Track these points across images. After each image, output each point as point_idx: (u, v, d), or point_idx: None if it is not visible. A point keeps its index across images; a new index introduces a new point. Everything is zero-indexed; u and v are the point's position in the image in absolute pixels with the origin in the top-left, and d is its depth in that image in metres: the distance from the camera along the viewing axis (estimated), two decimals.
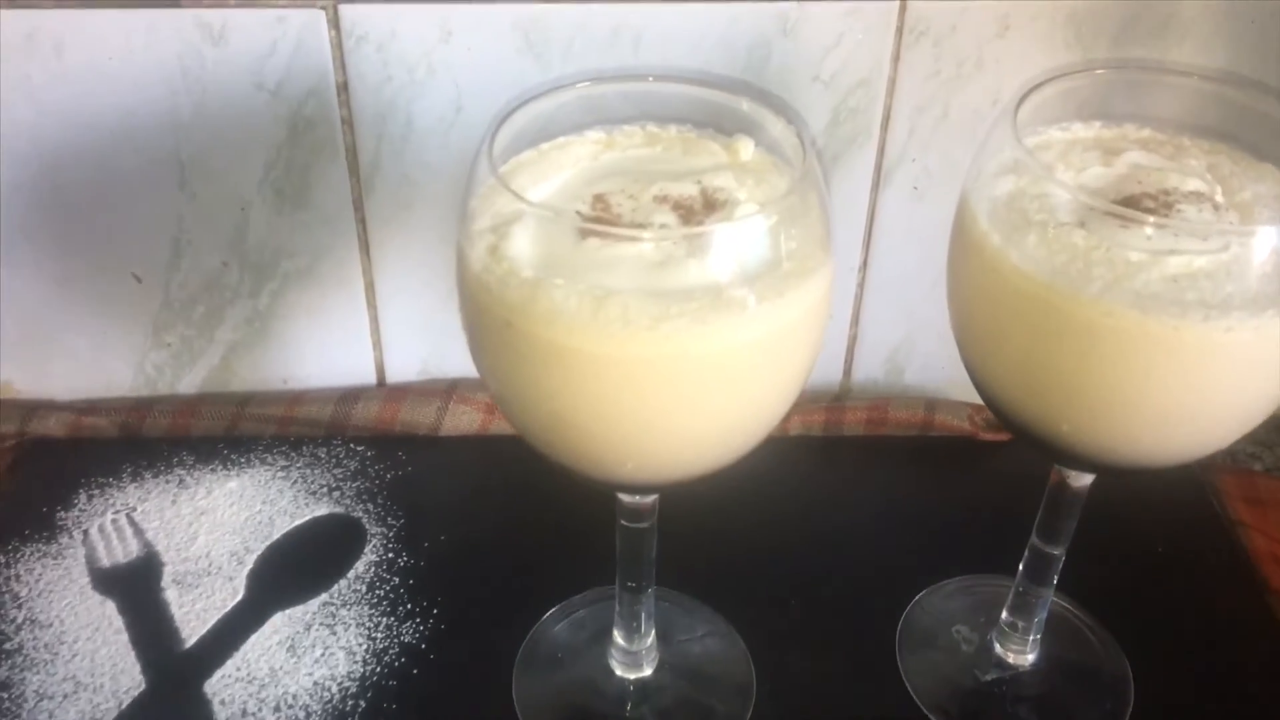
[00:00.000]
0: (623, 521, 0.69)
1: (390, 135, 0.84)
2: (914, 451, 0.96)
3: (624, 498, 0.66)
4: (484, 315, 0.56)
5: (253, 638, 0.79)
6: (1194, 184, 0.61)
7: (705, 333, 0.52)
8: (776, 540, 0.86)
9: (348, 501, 0.89)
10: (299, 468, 0.91)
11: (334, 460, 0.92)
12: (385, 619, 0.80)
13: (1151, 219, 0.56)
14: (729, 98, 0.63)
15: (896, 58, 0.84)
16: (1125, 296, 0.54)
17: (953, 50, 0.84)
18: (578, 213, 0.58)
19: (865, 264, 0.94)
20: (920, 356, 0.99)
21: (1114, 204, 0.59)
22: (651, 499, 0.67)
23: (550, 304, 0.53)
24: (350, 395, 0.95)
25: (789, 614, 0.82)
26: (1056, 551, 0.73)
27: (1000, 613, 0.78)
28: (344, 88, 0.82)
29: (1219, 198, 0.61)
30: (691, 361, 0.53)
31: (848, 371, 1.00)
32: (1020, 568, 0.75)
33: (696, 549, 0.81)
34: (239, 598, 0.82)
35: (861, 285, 0.95)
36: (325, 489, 0.90)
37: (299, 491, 0.89)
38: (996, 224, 0.59)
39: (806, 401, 0.97)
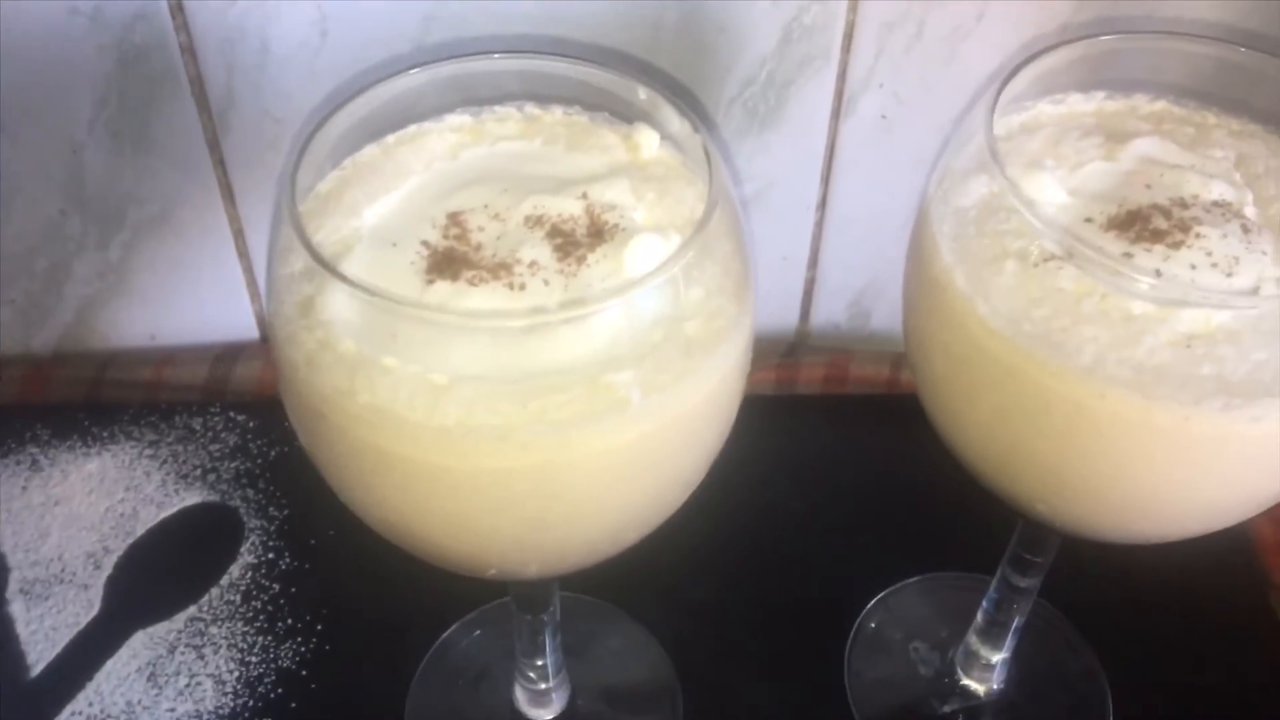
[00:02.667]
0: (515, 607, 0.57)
1: (243, 64, 0.69)
2: (878, 413, 0.84)
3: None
4: (291, 395, 0.43)
5: (109, 664, 0.69)
6: (1218, 190, 0.48)
7: (574, 439, 0.40)
8: (710, 529, 0.74)
9: (224, 487, 0.78)
10: (169, 443, 0.80)
11: (210, 434, 0.80)
12: (261, 638, 0.70)
13: (1158, 260, 0.43)
14: (622, 83, 0.48)
15: None
16: (1124, 372, 0.42)
17: None
18: (424, 243, 0.45)
19: (824, 201, 0.81)
20: (889, 300, 0.87)
21: (1115, 226, 0.45)
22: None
23: (372, 397, 0.40)
24: (228, 353, 0.82)
25: (721, 618, 0.71)
26: (1028, 584, 0.62)
27: (966, 626, 0.68)
28: (179, 9, 0.67)
29: (1250, 210, 0.47)
30: (556, 472, 0.41)
31: (805, 316, 0.88)
32: (989, 591, 0.65)
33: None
34: (94, 612, 0.71)
35: (820, 224, 0.82)
36: (199, 471, 0.78)
37: (168, 474, 0.78)
38: (962, 255, 0.46)
39: (757, 355, 0.85)
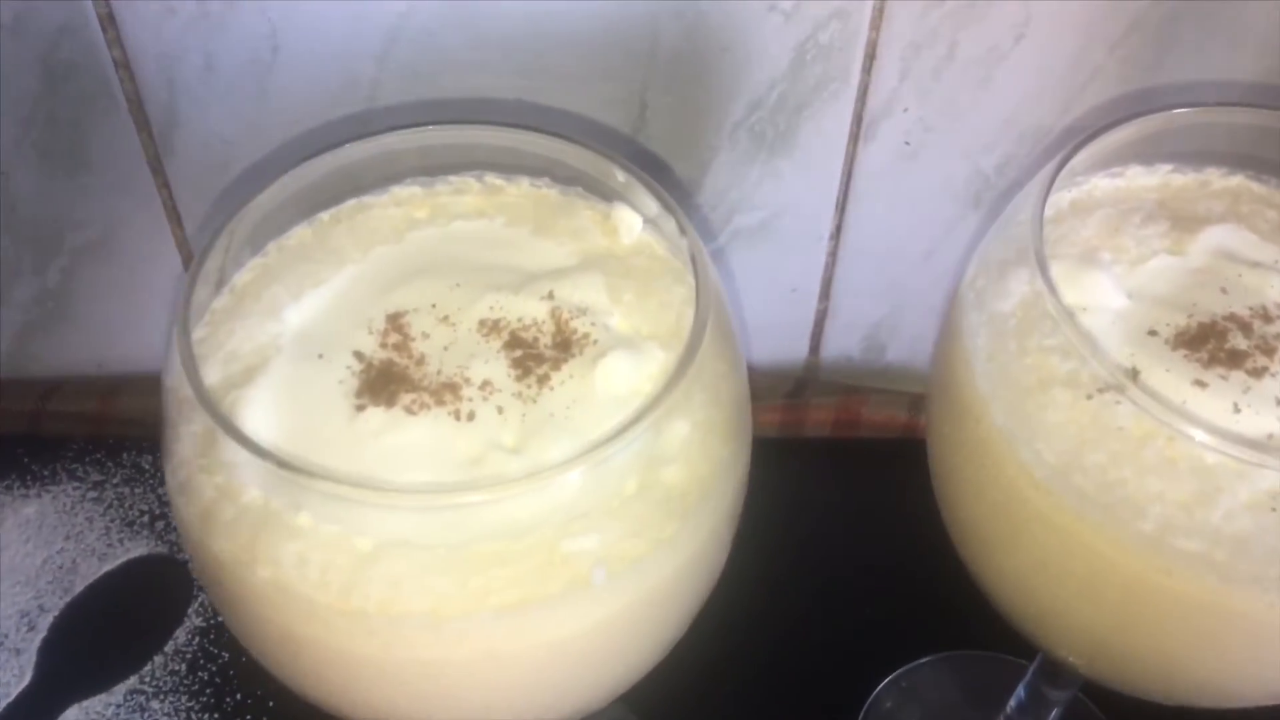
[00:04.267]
0: None
1: (185, 81, 0.62)
2: (892, 461, 0.76)
3: None
4: (190, 549, 0.36)
5: None
6: None
7: (523, 627, 0.33)
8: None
9: (173, 536, 0.71)
10: (115, 485, 0.73)
11: (159, 473, 0.73)
12: (208, 715, 0.64)
13: (1237, 388, 0.35)
14: (597, 162, 0.40)
15: None
16: (1195, 544, 0.34)
17: None
18: (356, 354, 0.37)
19: (839, 230, 0.73)
20: (906, 335, 0.79)
21: (1184, 344, 0.38)
22: None
23: (276, 569, 0.33)
24: None
25: (712, 699, 0.64)
26: (1063, 694, 0.55)
27: (992, 715, 0.61)
28: (110, 22, 0.59)
29: None
30: (498, 664, 0.33)
31: (815, 349, 0.80)
32: (1018, 693, 0.58)
33: None
34: (25, 682, 0.65)
35: (834, 254, 0.74)
36: (145, 517, 0.72)
37: (112, 521, 0.72)
38: (1000, 380, 0.38)
39: (761, 393, 0.77)
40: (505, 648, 0.33)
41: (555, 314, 0.39)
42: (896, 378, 0.81)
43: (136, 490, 0.73)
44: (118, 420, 0.75)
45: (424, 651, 0.33)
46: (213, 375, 0.37)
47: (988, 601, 0.61)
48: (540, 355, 0.37)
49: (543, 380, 0.37)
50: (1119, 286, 0.40)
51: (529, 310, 0.39)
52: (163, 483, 0.73)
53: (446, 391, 0.36)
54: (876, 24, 0.63)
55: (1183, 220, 0.43)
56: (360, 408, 0.36)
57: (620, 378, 0.36)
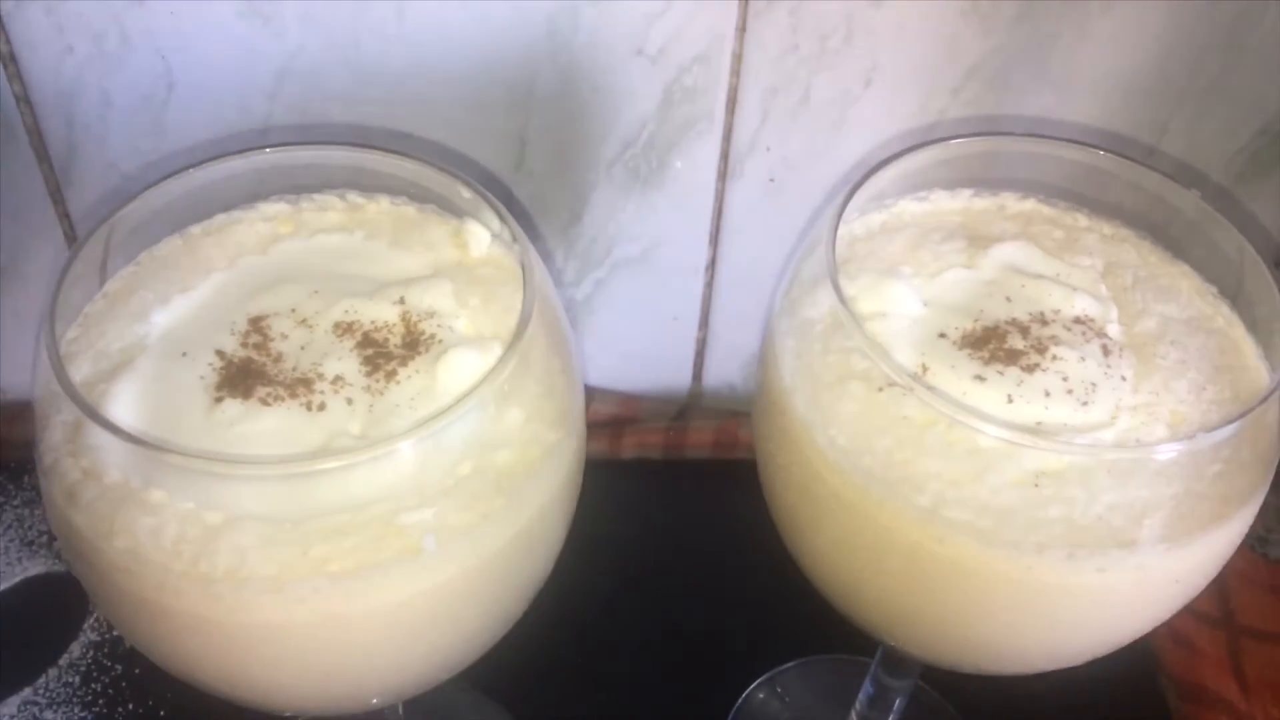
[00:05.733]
0: None
1: (84, 117, 0.65)
2: None
3: None
4: (54, 526, 0.39)
5: None
6: (1082, 305, 0.45)
7: (359, 590, 0.36)
8: (585, 601, 0.70)
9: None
10: (15, 506, 0.75)
11: None
12: None
13: (1011, 383, 0.40)
14: (445, 182, 0.45)
15: (742, 29, 0.65)
16: (965, 514, 0.39)
17: (813, 20, 0.65)
18: (218, 353, 0.41)
19: (714, 262, 0.77)
20: None
21: (969, 344, 0.42)
22: None
23: (132, 541, 0.36)
24: None
25: (593, 700, 0.68)
26: (901, 684, 0.59)
27: (847, 713, 0.65)
28: (11, 59, 0.62)
29: (1113, 328, 0.45)
30: (341, 625, 0.37)
31: (698, 377, 0.84)
32: (865, 686, 0.62)
33: None
34: None
35: (710, 285, 0.79)
36: (44, 537, 0.74)
37: (11, 541, 0.74)
38: (804, 375, 0.42)
39: (647, 417, 0.82)
40: (344, 611, 0.36)
41: (405, 317, 0.42)
42: None
43: (35, 512, 0.75)
44: (16, 445, 0.77)
45: (268, 614, 0.36)
46: (83, 371, 0.40)
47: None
48: (389, 353, 0.41)
49: (390, 375, 0.40)
50: (917, 295, 0.45)
51: (381, 314, 0.42)
52: None
53: (300, 385, 0.40)
54: (736, 69, 0.68)
55: (978, 238, 0.48)
56: (219, 400, 0.39)
57: (462, 371, 0.40)
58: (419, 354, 0.41)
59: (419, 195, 0.46)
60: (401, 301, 0.43)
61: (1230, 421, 0.38)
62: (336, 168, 0.45)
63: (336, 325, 0.42)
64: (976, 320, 0.44)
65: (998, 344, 0.43)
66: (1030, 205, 0.49)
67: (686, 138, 0.70)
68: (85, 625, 0.70)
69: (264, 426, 0.39)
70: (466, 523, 0.37)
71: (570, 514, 0.43)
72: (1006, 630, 0.41)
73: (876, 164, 0.45)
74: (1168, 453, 0.38)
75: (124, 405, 0.39)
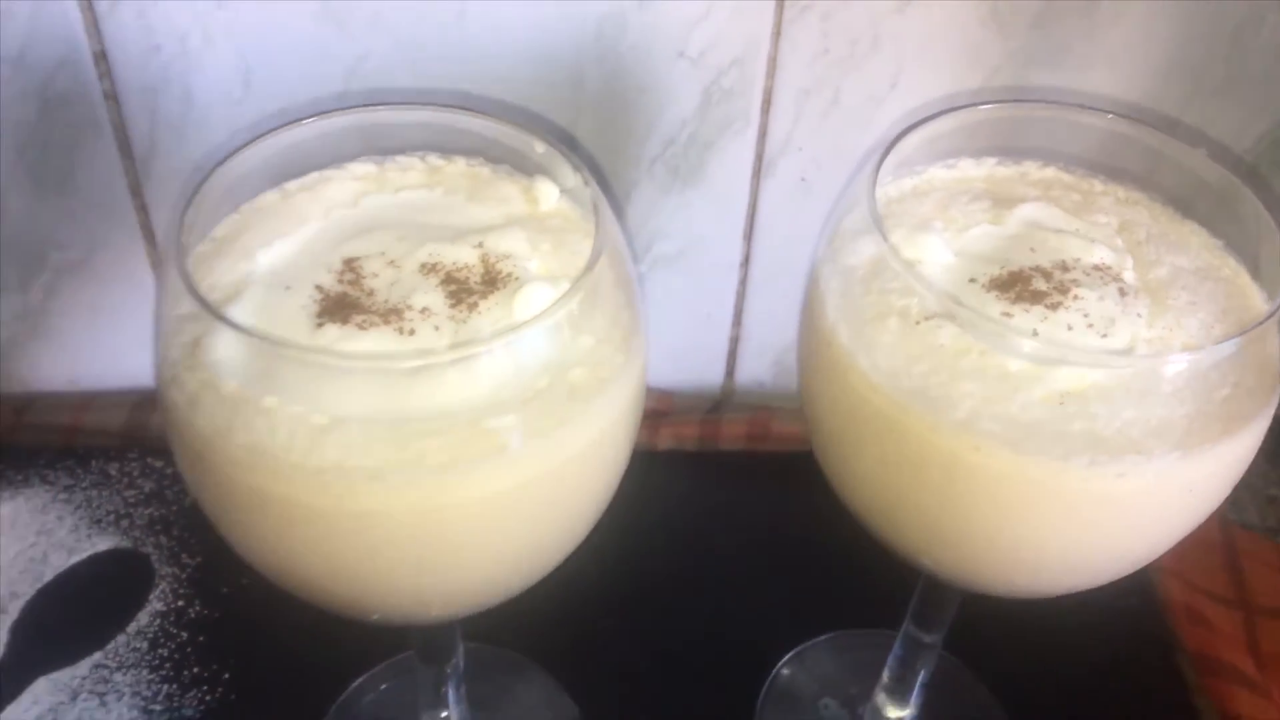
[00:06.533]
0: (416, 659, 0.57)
1: (166, 112, 0.70)
2: (798, 471, 0.84)
3: None
4: (174, 437, 0.43)
5: (8, 710, 0.68)
6: (1099, 254, 0.49)
7: (452, 482, 0.40)
8: (625, 579, 0.75)
9: (137, 533, 0.77)
10: (84, 488, 0.79)
11: (126, 479, 0.80)
12: (166, 686, 0.69)
13: (1036, 320, 0.44)
14: (519, 138, 0.49)
15: (777, 33, 0.70)
16: (998, 426, 0.43)
17: (844, 26, 0.70)
18: (317, 287, 0.45)
19: (748, 259, 0.82)
20: None
21: (997, 286, 0.47)
22: None
23: (250, 437, 0.40)
24: (147, 400, 0.82)
25: (635, 673, 0.71)
26: (931, 639, 0.62)
27: (875, 684, 0.68)
28: (103, 58, 0.67)
29: (1128, 274, 0.49)
30: (436, 516, 0.41)
31: (730, 373, 0.88)
32: (894, 648, 0.65)
33: (523, 593, 0.69)
34: None
35: (744, 282, 0.83)
36: (112, 516, 0.78)
37: (81, 520, 0.77)
38: (847, 312, 0.47)
39: (682, 410, 0.86)
40: (436, 501, 0.40)
41: (483, 258, 0.47)
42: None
43: (104, 493, 0.79)
44: (87, 432, 0.82)
45: (370, 503, 0.40)
46: (190, 304, 0.44)
47: (874, 583, 0.69)
48: (470, 289, 0.45)
49: (472, 307, 0.45)
50: (947, 247, 0.49)
51: (461, 256, 0.47)
52: (130, 486, 0.79)
53: (392, 314, 0.44)
54: (771, 72, 0.73)
55: (1003, 200, 0.52)
56: (320, 324, 0.44)
57: (535, 303, 0.44)
58: (497, 289, 0.45)
59: (493, 156, 0.51)
60: (480, 245, 0.47)
61: (1234, 336, 0.42)
62: (417, 127, 0.50)
63: (422, 266, 0.46)
64: (1003, 267, 0.48)
65: (1023, 286, 0.47)
66: (1050, 173, 0.54)
67: (724, 137, 0.75)
68: (151, 596, 0.74)
69: (361, 347, 0.43)
70: (545, 428, 0.41)
71: (633, 437, 0.47)
72: (1035, 538, 0.44)
73: (908, 126, 0.49)
74: (1179, 363, 0.42)
75: (229, 333, 0.43)
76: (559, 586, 0.68)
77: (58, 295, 0.78)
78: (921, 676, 0.65)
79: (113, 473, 0.80)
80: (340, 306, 0.44)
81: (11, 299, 0.78)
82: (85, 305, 0.79)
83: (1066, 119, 0.52)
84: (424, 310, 0.44)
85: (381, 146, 0.51)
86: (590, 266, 0.43)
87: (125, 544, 0.76)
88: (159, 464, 0.81)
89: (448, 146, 0.51)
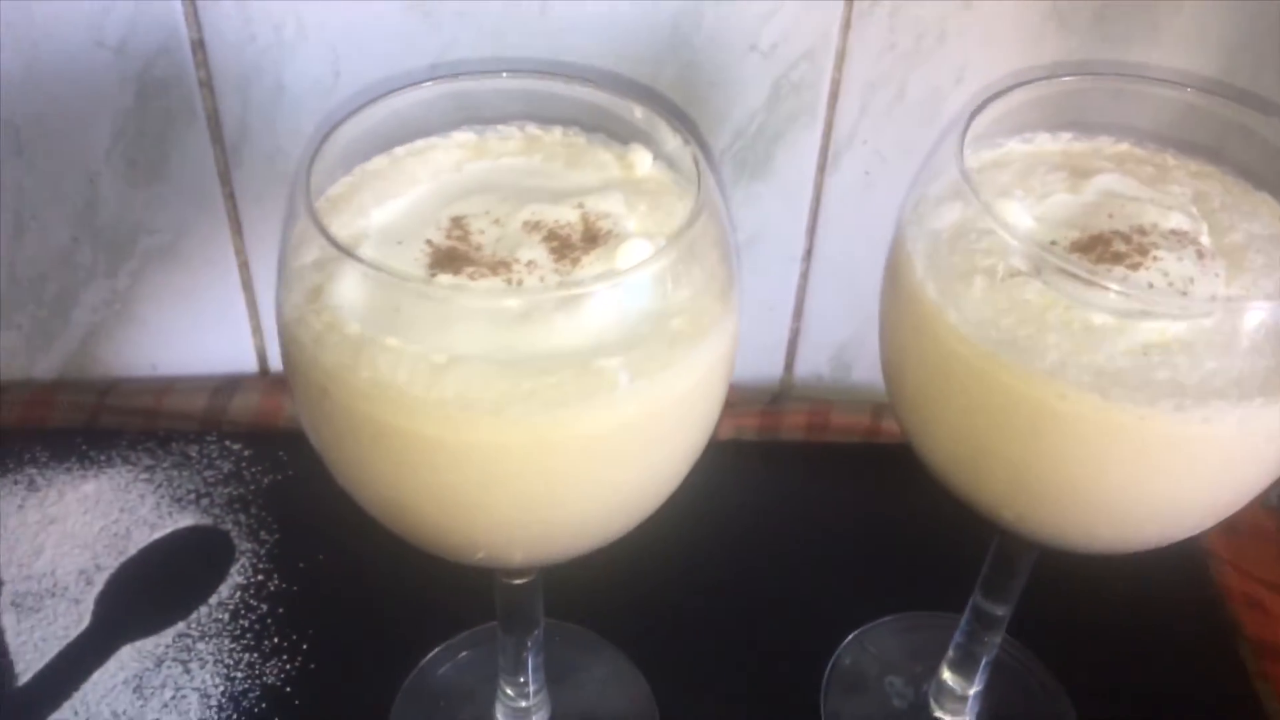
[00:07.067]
0: (498, 575, 0.59)
1: (258, 101, 0.73)
2: (857, 461, 0.87)
3: None
4: (298, 376, 0.46)
5: (96, 675, 0.70)
6: (1176, 220, 0.51)
7: (564, 417, 0.42)
8: (693, 562, 0.77)
9: (217, 511, 0.79)
10: (165, 468, 0.81)
11: (205, 460, 0.82)
12: (247, 655, 0.71)
13: (1118, 279, 0.46)
14: (618, 103, 0.52)
15: (847, 26, 0.73)
16: (1085, 375, 0.44)
17: (911, 20, 0.72)
18: (427, 242, 0.48)
19: (810, 253, 0.84)
20: (870, 354, 0.88)
21: (1078, 249, 0.48)
22: None
23: (374, 373, 0.42)
24: (227, 385, 0.85)
25: (702, 652, 0.73)
26: (1000, 611, 0.64)
27: (940, 662, 0.70)
28: (200, 45, 0.70)
29: (1204, 239, 0.50)
30: (547, 449, 0.43)
31: (789, 367, 0.90)
32: (961, 622, 0.66)
33: (596, 574, 0.70)
34: (84, 625, 0.72)
35: (805, 275, 0.85)
36: (193, 495, 0.80)
37: (162, 497, 0.80)
38: (934, 270, 0.49)
39: (742, 401, 0.87)
40: (550, 435, 0.42)
41: (584, 217, 0.49)
42: (862, 396, 0.91)
43: (184, 473, 0.81)
44: (167, 415, 0.84)
45: (487, 435, 0.42)
46: (313, 253, 0.47)
47: (934, 568, 0.70)
48: (572, 245, 0.48)
49: (575, 261, 0.47)
50: (1028, 213, 0.51)
51: (563, 215, 0.49)
52: (209, 466, 0.82)
53: (500, 266, 0.46)
54: (839, 65, 0.75)
55: (1079, 171, 0.54)
56: (432, 274, 0.46)
57: (636, 257, 0.46)
58: (598, 245, 0.47)
59: (588, 125, 0.53)
60: (580, 206, 0.49)
61: None
62: (517, 94, 0.52)
63: (525, 224, 0.49)
64: (1083, 232, 0.50)
65: (1103, 248, 0.49)
66: (1124, 148, 0.56)
67: (792, 130, 0.77)
68: (231, 570, 0.76)
69: (471, 300, 0.45)
70: (649, 370, 0.43)
71: (724, 392, 0.49)
72: (1120, 486, 0.46)
73: (989, 96, 0.51)
74: (1261, 311, 0.44)
75: (350, 280, 0.45)
76: (630, 570, 0.71)
77: (144, 280, 0.81)
78: (988, 653, 0.66)
79: (192, 454, 0.83)
80: (451, 259, 0.47)
81: (99, 285, 0.81)
82: (169, 290, 0.82)
83: (1141, 91, 0.54)
84: (530, 263, 0.47)
85: (482, 116, 0.54)
86: (693, 220, 0.45)
87: (205, 521, 0.79)
88: (237, 446, 0.83)
89: (544, 116, 0.54)
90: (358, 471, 0.46)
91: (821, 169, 0.80)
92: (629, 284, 0.44)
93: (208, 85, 0.72)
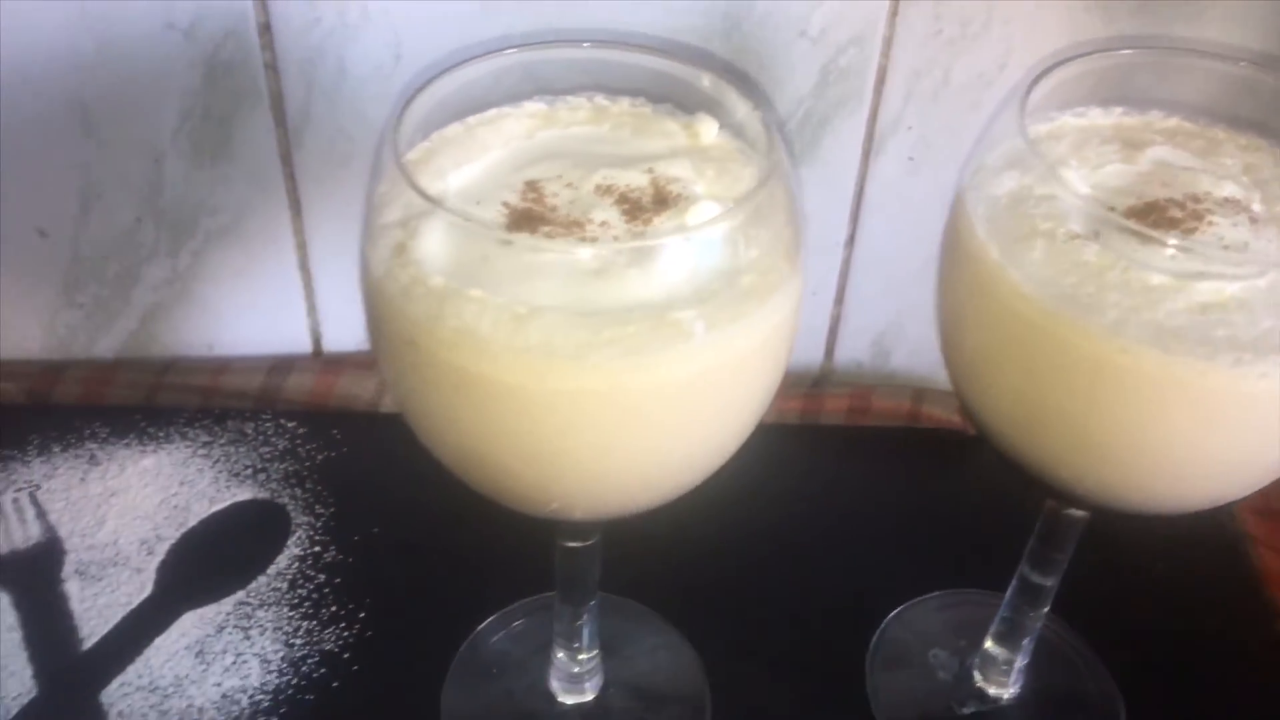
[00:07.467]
0: (560, 539, 0.61)
1: (321, 83, 0.75)
2: (898, 444, 0.88)
3: None
4: (384, 328, 0.47)
5: (158, 640, 0.72)
6: (1229, 189, 0.52)
7: (642, 364, 0.44)
8: (739, 540, 0.78)
9: (273, 485, 0.81)
10: (222, 445, 0.83)
11: (261, 437, 0.84)
12: (306, 623, 0.73)
13: (1175, 239, 0.47)
14: (687, 70, 0.53)
15: (894, 14, 0.74)
16: (1145, 331, 0.46)
17: (957, 7, 0.74)
18: (504, 203, 0.49)
19: (852, 239, 0.85)
20: (909, 341, 0.91)
21: (1134, 215, 0.50)
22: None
23: (460, 322, 0.44)
24: (282, 365, 0.87)
25: (749, 625, 0.74)
26: (1048, 583, 0.65)
27: (983, 636, 0.71)
28: (266, 29, 0.72)
29: (1257, 206, 0.52)
30: (625, 396, 0.44)
31: (829, 353, 0.92)
32: (1007, 595, 0.68)
33: (647, 550, 0.72)
34: (146, 593, 0.74)
35: (847, 262, 0.87)
36: (249, 470, 0.82)
37: (220, 472, 0.81)
38: (995, 232, 0.50)
39: (784, 385, 0.88)
40: (628, 382, 0.44)
41: (654, 181, 0.51)
42: (900, 383, 0.92)
43: (241, 449, 0.83)
44: (224, 394, 0.86)
45: (567, 382, 0.43)
46: (395, 214, 0.49)
47: (976, 548, 0.72)
48: (644, 207, 0.49)
49: (646, 221, 0.49)
50: (1084, 182, 0.53)
51: (633, 179, 0.51)
52: (265, 444, 0.83)
53: (574, 226, 0.48)
54: (886, 51, 0.77)
55: (1132, 144, 0.56)
56: (511, 233, 0.48)
57: (707, 218, 0.48)
58: (669, 208, 0.49)
59: (655, 95, 0.55)
60: (650, 170, 0.51)
61: None
62: (586, 63, 0.54)
63: (597, 187, 0.50)
64: (1139, 199, 0.52)
65: (1159, 215, 0.50)
66: (1175, 122, 0.57)
67: (838, 115, 0.79)
68: (289, 542, 0.78)
69: (549, 257, 0.47)
70: (721, 322, 0.45)
71: (790, 349, 0.51)
72: (1179, 441, 0.47)
73: (1047, 67, 0.53)
74: None
75: (433, 237, 0.47)
76: (681, 548, 0.73)
77: (204, 260, 0.83)
78: (1033, 625, 0.68)
79: (248, 431, 0.84)
80: (527, 219, 0.48)
81: (160, 264, 0.83)
82: (228, 270, 0.84)
83: (1191, 65, 0.55)
84: (603, 223, 0.48)
85: (551, 88, 0.55)
86: (764, 181, 0.47)
87: (263, 495, 0.80)
88: (291, 424, 0.85)
89: (612, 87, 0.55)
90: (440, 422, 0.48)
91: (866, 155, 0.81)
92: (700, 239, 0.45)
93: (272, 68, 0.74)
